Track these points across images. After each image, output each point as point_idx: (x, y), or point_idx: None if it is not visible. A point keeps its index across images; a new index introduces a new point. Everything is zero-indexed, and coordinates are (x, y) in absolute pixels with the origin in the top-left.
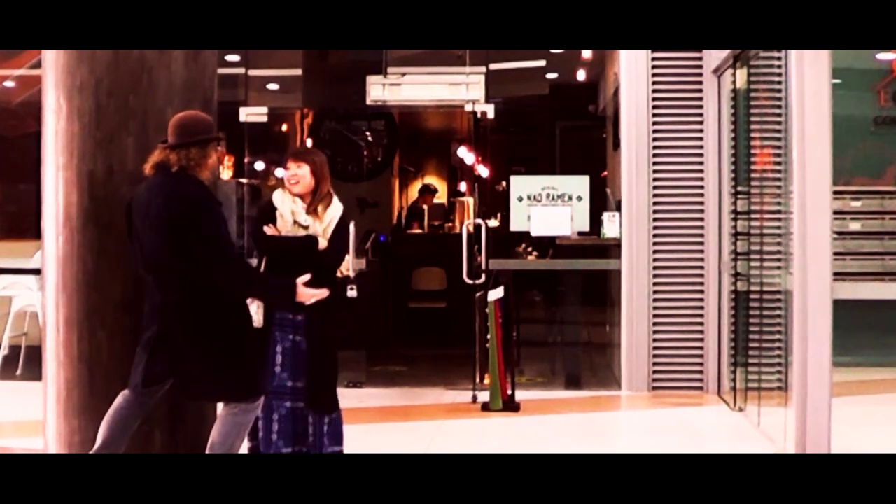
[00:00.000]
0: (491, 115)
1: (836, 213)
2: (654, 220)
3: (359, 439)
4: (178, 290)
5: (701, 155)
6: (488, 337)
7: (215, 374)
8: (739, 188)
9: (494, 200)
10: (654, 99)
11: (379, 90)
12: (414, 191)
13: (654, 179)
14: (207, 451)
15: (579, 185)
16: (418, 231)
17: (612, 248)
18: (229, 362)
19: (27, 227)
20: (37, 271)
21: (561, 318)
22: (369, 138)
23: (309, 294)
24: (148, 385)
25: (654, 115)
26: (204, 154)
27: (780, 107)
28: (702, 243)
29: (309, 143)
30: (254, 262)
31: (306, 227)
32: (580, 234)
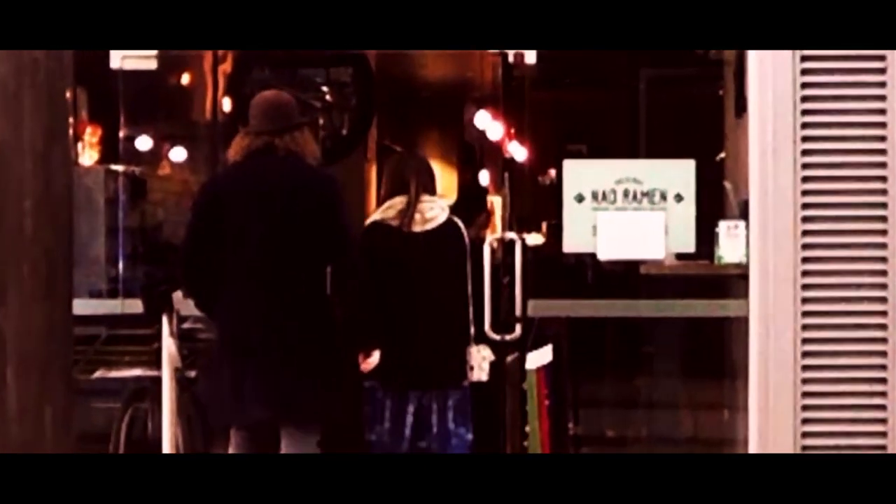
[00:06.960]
0: (531, 59)
1: None
2: (804, 233)
3: None
4: (291, 290)
5: (884, 126)
6: (527, 429)
7: (321, 391)
8: None
9: (537, 201)
10: None
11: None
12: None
13: (805, 167)
14: None
15: (679, 175)
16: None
17: (733, 281)
18: (337, 377)
19: None
20: None
21: (649, 398)
22: (327, 98)
23: None
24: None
25: (805, 59)
26: (305, 136)
27: None
28: (885, 268)
29: (228, 103)
30: None
31: None
32: (680, 256)
